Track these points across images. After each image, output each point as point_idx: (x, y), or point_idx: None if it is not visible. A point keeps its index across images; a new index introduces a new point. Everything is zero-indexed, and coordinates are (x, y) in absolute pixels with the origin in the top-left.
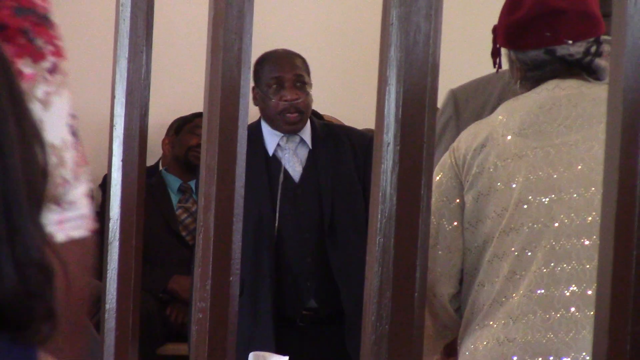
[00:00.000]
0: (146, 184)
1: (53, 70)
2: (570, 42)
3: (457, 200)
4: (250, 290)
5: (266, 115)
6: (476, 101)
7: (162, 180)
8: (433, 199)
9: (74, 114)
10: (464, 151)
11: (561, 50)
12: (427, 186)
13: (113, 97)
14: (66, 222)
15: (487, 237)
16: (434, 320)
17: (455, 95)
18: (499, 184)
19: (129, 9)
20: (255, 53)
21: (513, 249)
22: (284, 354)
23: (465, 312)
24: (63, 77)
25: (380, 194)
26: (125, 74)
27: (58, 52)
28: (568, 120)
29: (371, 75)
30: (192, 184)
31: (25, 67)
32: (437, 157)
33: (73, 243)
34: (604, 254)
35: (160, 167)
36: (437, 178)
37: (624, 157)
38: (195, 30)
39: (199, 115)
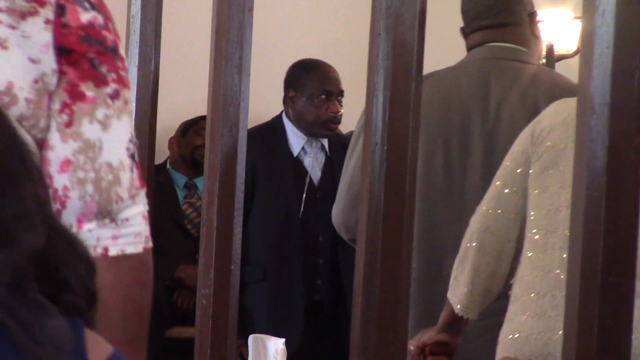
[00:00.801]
0: (155, 181)
1: (114, 96)
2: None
3: (519, 170)
4: (273, 279)
5: (303, 119)
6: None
7: (169, 178)
8: (503, 164)
9: (135, 140)
10: (546, 124)
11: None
12: (411, 183)
13: None
14: (120, 237)
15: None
16: (473, 287)
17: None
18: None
19: (139, 21)
20: (254, 62)
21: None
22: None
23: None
24: (125, 104)
25: (369, 190)
26: (136, 81)
27: (121, 81)
28: None
29: (362, 81)
30: (197, 181)
31: (87, 90)
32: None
33: (127, 258)
34: (573, 247)
35: (168, 166)
36: (515, 147)
37: (588, 152)
38: (200, 40)
39: (203, 117)
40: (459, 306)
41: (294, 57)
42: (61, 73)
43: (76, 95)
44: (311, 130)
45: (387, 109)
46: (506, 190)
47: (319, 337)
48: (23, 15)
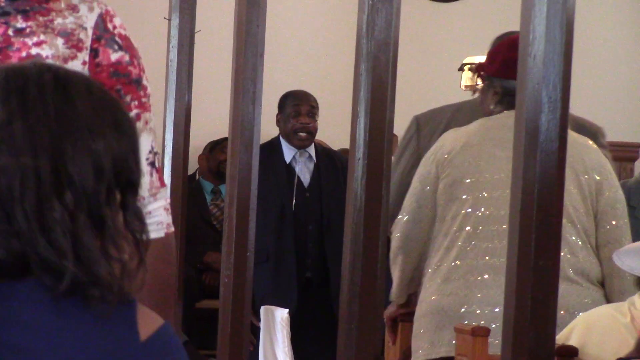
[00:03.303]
0: (188, 188)
1: (136, 119)
2: None
3: (428, 188)
4: (274, 261)
5: (285, 133)
6: (432, 123)
7: (199, 185)
8: (412, 186)
9: (156, 151)
10: (448, 149)
11: None
12: (386, 188)
13: (164, 126)
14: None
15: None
16: (401, 282)
17: (417, 119)
18: (467, 179)
19: (175, 65)
20: (265, 95)
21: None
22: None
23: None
24: (145, 124)
25: (353, 194)
26: (173, 110)
27: (142, 106)
28: None
29: (347, 110)
30: (221, 187)
31: None
32: (404, 163)
33: (154, 242)
34: (511, 238)
35: (197, 176)
36: (421, 169)
37: (525, 167)
38: (223, 78)
39: (225, 139)
40: (392, 295)
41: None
42: None
43: None
44: (290, 142)
45: (367, 132)
46: (418, 205)
47: (310, 305)
48: (65, 60)
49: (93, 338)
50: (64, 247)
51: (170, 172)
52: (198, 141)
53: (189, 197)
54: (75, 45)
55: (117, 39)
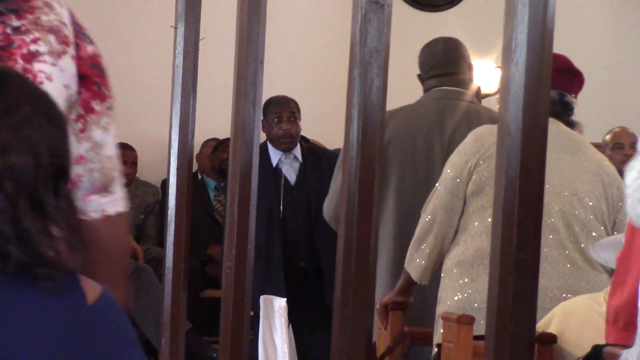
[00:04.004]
0: (192, 185)
1: (110, 108)
2: (574, 96)
3: (458, 180)
4: (264, 257)
5: (270, 138)
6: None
7: (203, 182)
8: (444, 175)
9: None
10: (487, 143)
11: (567, 98)
12: (377, 185)
13: (171, 127)
14: (114, 202)
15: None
16: (428, 262)
17: (391, 114)
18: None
19: (181, 70)
20: (265, 98)
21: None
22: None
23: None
24: (114, 113)
25: (347, 194)
26: (179, 112)
27: (112, 96)
28: (566, 146)
29: (342, 112)
30: (224, 184)
31: (95, 105)
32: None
33: (121, 215)
34: (494, 232)
35: (200, 175)
36: (455, 159)
37: (507, 166)
38: (226, 83)
39: (228, 139)
40: (416, 275)
41: (295, 94)
42: (78, 92)
43: (88, 110)
44: (276, 146)
45: (360, 133)
46: (449, 193)
47: (306, 294)
48: (59, 55)
49: (48, 309)
50: (7, 233)
51: (176, 170)
52: (201, 139)
53: (194, 194)
54: (64, 40)
55: (86, 33)
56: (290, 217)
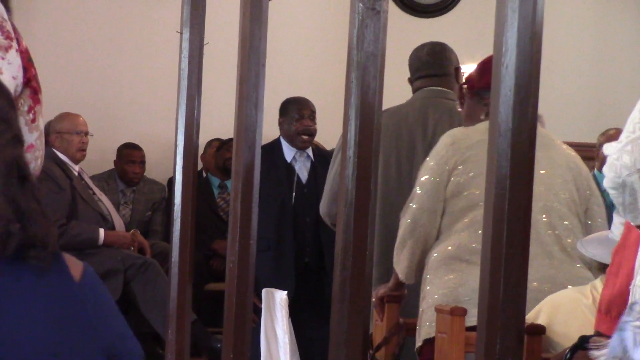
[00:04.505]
0: (197, 182)
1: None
2: None
3: (438, 179)
4: (275, 249)
5: (288, 135)
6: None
7: (207, 180)
8: (421, 177)
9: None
10: (464, 145)
11: None
12: (374, 184)
13: (176, 127)
14: None
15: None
16: (411, 264)
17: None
18: (471, 173)
19: (186, 72)
20: (266, 101)
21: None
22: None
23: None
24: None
25: (345, 188)
26: (184, 113)
27: (40, 86)
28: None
29: (340, 113)
30: (227, 182)
31: (40, 96)
32: (337, 165)
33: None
34: (486, 229)
35: (204, 173)
36: (431, 162)
37: (498, 165)
38: (229, 86)
39: (231, 139)
40: (402, 276)
41: (292, 95)
42: (25, 84)
43: (36, 101)
44: (293, 142)
45: (357, 132)
46: (428, 195)
47: (308, 288)
48: (7, 49)
49: (38, 288)
50: (8, 213)
51: (182, 169)
52: (205, 140)
53: (198, 192)
54: (8, 36)
55: (16, 28)
56: (300, 213)
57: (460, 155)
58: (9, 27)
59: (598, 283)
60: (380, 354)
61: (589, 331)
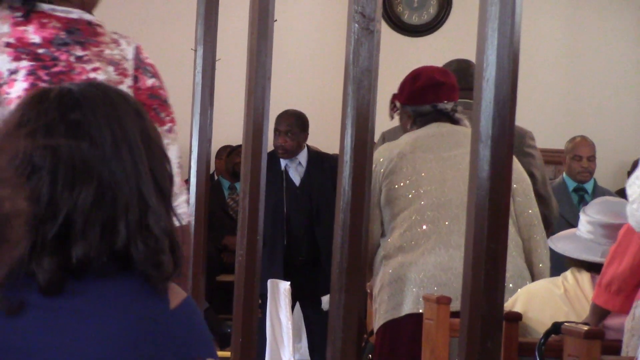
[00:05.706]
0: (209, 185)
1: (170, 131)
2: (446, 102)
3: (374, 192)
4: (269, 246)
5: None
6: (394, 137)
7: (219, 183)
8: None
9: (181, 156)
10: (387, 158)
11: (440, 106)
12: (368, 187)
13: (191, 135)
14: (186, 213)
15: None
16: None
17: (384, 134)
18: (407, 180)
19: (200, 86)
20: (272, 111)
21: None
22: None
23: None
24: (175, 135)
25: (342, 190)
26: (198, 123)
27: (172, 120)
28: (450, 144)
29: (337, 122)
30: (237, 184)
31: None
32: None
33: (189, 225)
34: (469, 226)
35: (216, 176)
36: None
37: (479, 169)
38: (237, 97)
39: (240, 146)
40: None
41: (299, 105)
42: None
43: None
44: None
45: (353, 140)
46: (373, 204)
47: (299, 282)
48: (116, 84)
49: (133, 307)
50: (163, 242)
51: (196, 173)
52: (217, 146)
53: (211, 193)
54: (122, 72)
55: (148, 68)
56: (294, 214)
57: (384, 169)
58: (127, 65)
59: (569, 275)
60: (374, 338)
61: (561, 318)
